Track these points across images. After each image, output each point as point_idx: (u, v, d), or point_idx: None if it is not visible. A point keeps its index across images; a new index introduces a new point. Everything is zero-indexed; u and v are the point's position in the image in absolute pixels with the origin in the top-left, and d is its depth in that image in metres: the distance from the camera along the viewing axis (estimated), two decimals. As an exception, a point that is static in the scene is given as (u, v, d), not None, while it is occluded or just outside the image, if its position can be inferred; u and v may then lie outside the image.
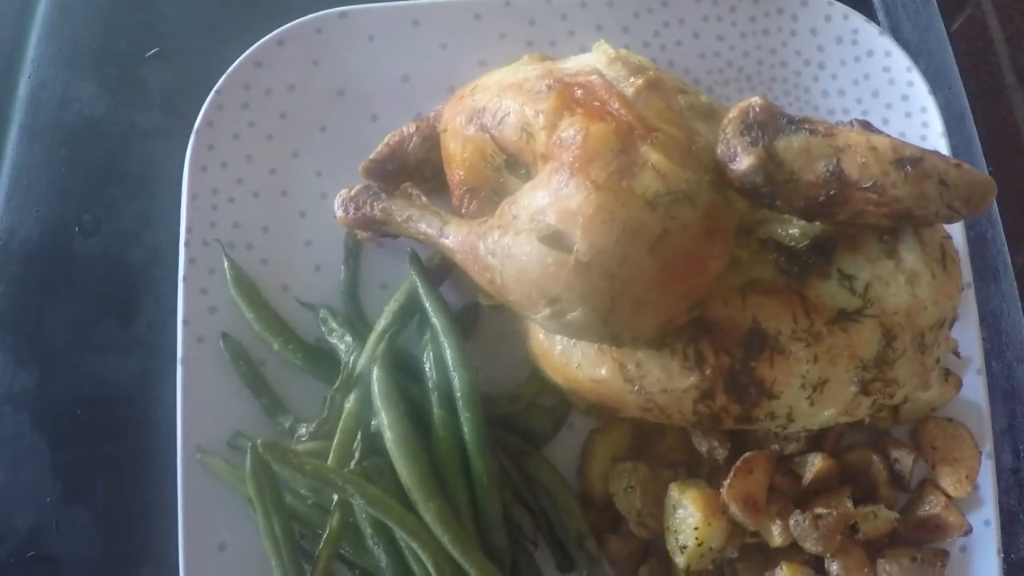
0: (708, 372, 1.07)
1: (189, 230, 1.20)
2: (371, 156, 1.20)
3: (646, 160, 1.00)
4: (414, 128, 1.20)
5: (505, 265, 1.04)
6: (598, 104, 1.05)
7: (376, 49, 1.25)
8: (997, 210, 1.18)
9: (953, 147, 1.33)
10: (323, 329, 1.19)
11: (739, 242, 1.09)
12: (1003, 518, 1.22)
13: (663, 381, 1.08)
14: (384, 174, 1.20)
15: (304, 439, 1.15)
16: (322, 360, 1.17)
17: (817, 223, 1.11)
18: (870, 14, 1.43)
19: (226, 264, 1.19)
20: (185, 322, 1.18)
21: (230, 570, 1.14)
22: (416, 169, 1.20)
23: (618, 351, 1.09)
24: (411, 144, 1.19)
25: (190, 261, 1.19)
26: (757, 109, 1.03)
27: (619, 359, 1.09)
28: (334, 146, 1.23)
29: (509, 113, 1.09)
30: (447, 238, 1.11)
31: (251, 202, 1.22)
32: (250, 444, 1.11)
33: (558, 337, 1.12)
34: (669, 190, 1.00)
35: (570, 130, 1.03)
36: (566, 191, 1.01)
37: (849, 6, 1.28)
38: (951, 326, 1.11)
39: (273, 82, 1.23)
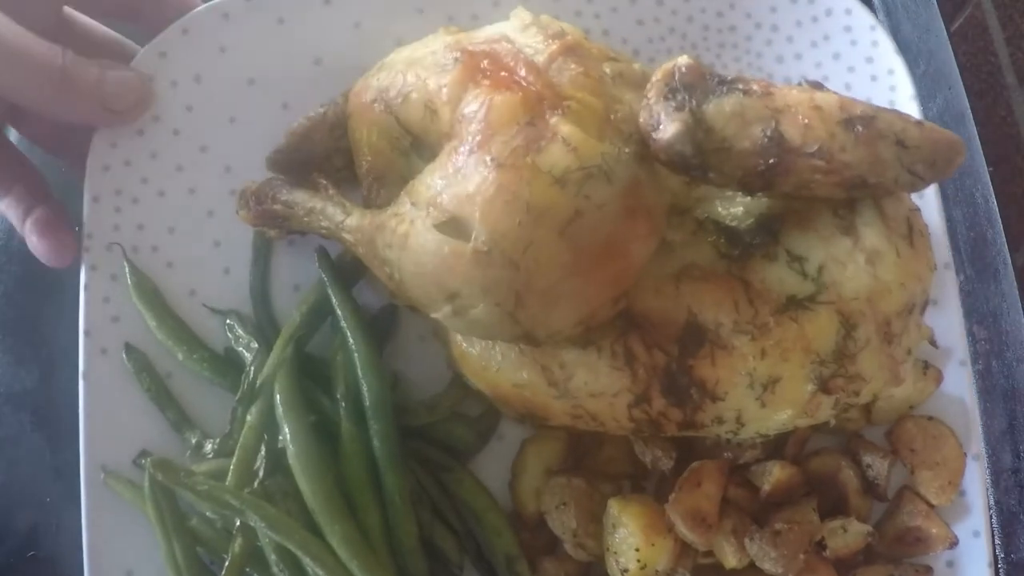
0: (640, 372, 0.87)
1: (90, 235, 1.03)
2: (276, 147, 1.02)
3: (555, 132, 0.82)
4: (322, 114, 1.02)
5: (402, 258, 0.86)
6: (505, 74, 0.86)
7: (286, 33, 1.07)
8: (997, 210, 1.03)
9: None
10: (230, 336, 1.01)
11: (672, 223, 0.90)
12: (1003, 518, 1.07)
13: (591, 384, 0.88)
14: (292, 166, 1.02)
15: (209, 456, 0.98)
16: (230, 370, 1.00)
17: (763, 199, 0.91)
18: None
19: (127, 269, 1.02)
20: (87, 333, 1.01)
21: (137, 599, 0.98)
22: (326, 159, 1.02)
23: (539, 352, 0.89)
24: (319, 132, 1.01)
25: (91, 268, 1.03)
26: (683, 70, 0.84)
27: (541, 360, 0.90)
28: (244, 138, 1.06)
29: (412, 90, 0.91)
30: (347, 231, 0.93)
31: (156, 202, 1.05)
32: (144, 463, 0.95)
33: (476, 340, 0.93)
34: (582, 165, 0.81)
35: (473, 104, 0.85)
36: (464, 171, 0.82)
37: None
38: (923, 311, 0.90)
39: (178, 73, 1.06)
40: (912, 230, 0.88)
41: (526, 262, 0.80)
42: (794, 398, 0.87)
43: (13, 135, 1.13)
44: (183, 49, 1.07)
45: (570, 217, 0.80)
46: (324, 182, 0.98)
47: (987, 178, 1.01)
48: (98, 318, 1.03)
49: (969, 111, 1.06)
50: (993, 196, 1.02)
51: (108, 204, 1.05)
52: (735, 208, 0.91)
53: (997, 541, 1.08)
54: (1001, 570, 1.07)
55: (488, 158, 0.81)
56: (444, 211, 0.82)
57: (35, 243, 1.03)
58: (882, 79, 1.05)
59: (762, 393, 0.87)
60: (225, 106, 1.07)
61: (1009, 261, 1.02)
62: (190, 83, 1.07)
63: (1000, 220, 1.01)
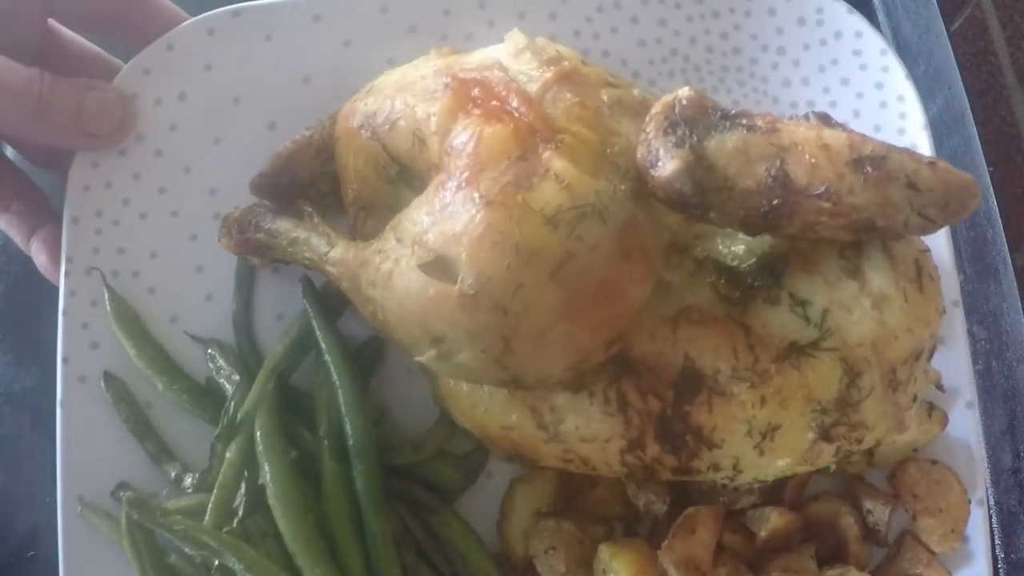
0: (634, 418, 0.81)
1: (70, 259, 0.97)
2: (261, 171, 0.96)
3: (548, 168, 0.76)
4: (308, 137, 0.96)
5: (385, 298, 0.80)
6: (496, 104, 0.80)
7: (274, 50, 1.00)
8: (997, 210, 0.99)
9: (953, 147, 1.12)
10: (211, 367, 0.96)
11: (669, 263, 0.84)
12: (1003, 518, 1.03)
13: (582, 429, 0.83)
14: (276, 190, 0.96)
15: (189, 491, 0.93)
16: (211, 402, 0.94)
17: (766, 238, 0.85)
18: (870, 14, 1.22)
19: (106, 295, 0.97)
20: (65, 360, 0.96)
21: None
22: (311, 184, 0.95)
23: (529, 394, 0.84)
24: (305, 156, 0.95)
25: (71, 293, 0.97)
26: (684, 102, 0.77)
27: (531, 403, 0.84)
28: (229, 160, 0.99)
29: (400, 117, 0.85)
30: (331, 264, 0.87)
31: (138, 225, 0.99)
32: (122, 496, 0.89)
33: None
34: (575, 204, 0.75)
35: (462, 135, 0.79)
36: (451, 209, 0.76)
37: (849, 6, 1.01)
38: (931, 356, 0.84)
39: (162, 91, 1.00)
40: (921, 273, 0.82)
41: (515, 306, 0.74)
42: (794, 446, 0.82)
43: (10, 151, 1.08)
44: (167, 66, 1.00)
45: (562, 259, 0.74)
46: (309, 209, 0.92)
47: (987, 178, 0.97)
48: (77, 345, 0.97)
49: (969, 111, 1.02)
50: (993, 196, 0.97)
51: (88, 226, 0.99)
52: (736, 246, 0.84)
53: (997, 541, 1.03)
54: (1001, 570, 1.02)
55: (476, 195, 0.75)
56: (429, 250, 0.76)
57: (43, 263, 0.99)
58: (892, 106, 0.98)
59: (760, 441, 0.81)
60: (210, 125, 1.00)
61: (1009, 261, 0.98)
62: (174, 101, 1.00)
63: (1000, 220, 0.98)
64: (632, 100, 0.85)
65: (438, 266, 0.76)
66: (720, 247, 0.85)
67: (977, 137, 1.00)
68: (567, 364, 0.78)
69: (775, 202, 0.75)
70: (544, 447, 0.85)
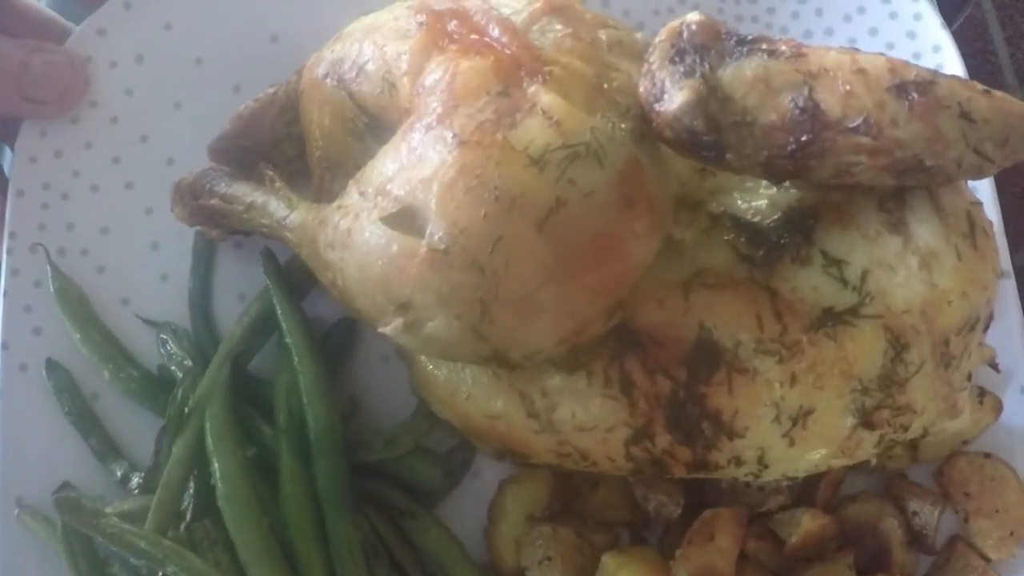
0: (640, 402, 0.65)
1: (13, 235, 0.83)
2: (220, 133, 0.81)
3: (533, 103, 0.60)
4: (272, 95, 0.81)
5: (345, 259, 0.64)
6: (476, 36, 0.65)
7: (239, 6, 0.85)
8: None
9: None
10: (162, 352, 0.80)
11: (680, 219, 0.67)
12: None
13: (579, 416, 0.66)
14: (237, 155, 0.80)
15: (135, 492, 0.77)
16: (163, 392, 0.78)
17: (790, 189, 0.68)
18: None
19: (50, 273, 0.81)
20: (4, 346, 0.81)
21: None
22: (275, 147, 0.80)
23: (516, 376, 0.67)
24: (268, 115, 0.80)
25: (13, 273, 0.82)
26: (693, 27, 0.62)
27: (519, 387, 0.67)
28: (190, 126, 0.84)
29: (368, 60, 0.70)
30: (289, 229, 0.71)
31: (89, 198, 0.84)
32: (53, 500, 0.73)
33: (444, 361, 0.71)
34: (565, 143, 0.59)
35: (436, 72, 0.63)
36: (420, 152, 0.60)
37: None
38: (987, 327, 0.67)
39: (118, 52, 0.85)
40: (974, 228, 0.65)
41: (493, 263, 0.58)
42: (829, 434, 0.65)
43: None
44: (124, 26, 0.86)
45: (550, 207, 0.58)
46: (271, 172, 0.77)
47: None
48: (18, 330, 0.82)
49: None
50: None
51: (34, 200, 0.84)
52: (758, 201, 0.68)
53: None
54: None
55: (449, 134, 0.60)
56: (394, 200, 0.61)
57: None
58: (927, 57, 0.82)
59: (791, 428, 0.64)
60: (170, 90, 0.86)
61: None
62: (131, 64, 0.86)
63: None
64: (634, 43, 0.70)
65: (403, 218, 0.60)
66: (739, 202, 0.69)
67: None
68: (559, 336, 0.61)
69: (804, 138, 0.59)
70: (536, 439, 0.68)
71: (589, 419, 0.66)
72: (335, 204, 0.67)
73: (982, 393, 0.76)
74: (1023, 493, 0.74)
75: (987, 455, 0.76)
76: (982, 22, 1.14)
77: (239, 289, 0.83)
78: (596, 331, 0.63)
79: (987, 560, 0.74)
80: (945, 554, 0.75)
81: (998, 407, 0.76)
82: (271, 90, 0.81)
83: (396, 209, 0.60)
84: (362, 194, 0.64)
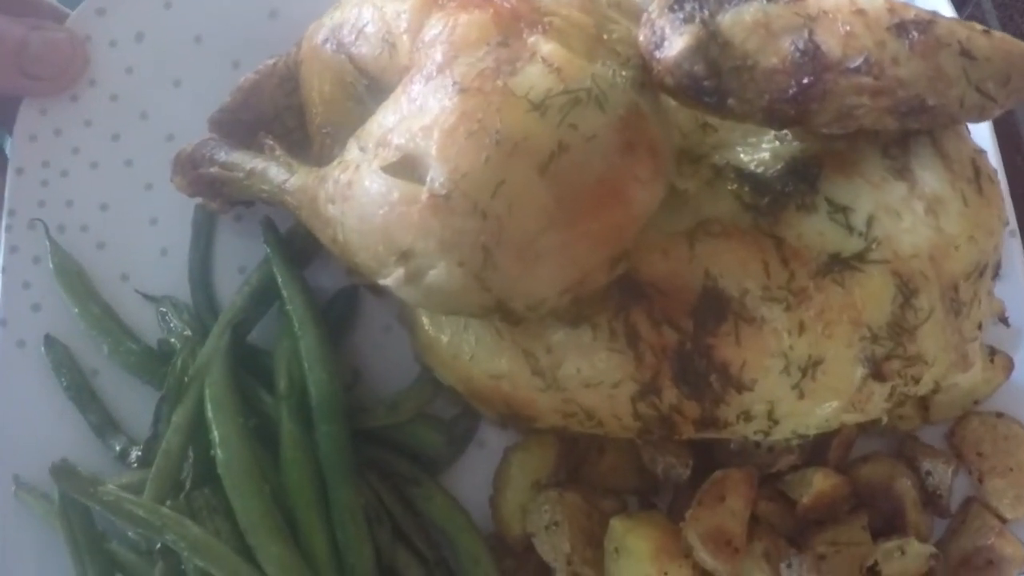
0: (647, 355, 0.64)
1: (12, 212, 0.83)
2: (221, 105, 0.81)
3: (534, 52, 0.60)
4: (272, 66, 0.81)
5: (345, 212, 0.64)
6: (476, -10, 0.65)
7: (238, -18, 0.87)
8: None
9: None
10: (161, 326, 0.79)
11: (683, 171, 0.67)
12: None
13: (584, 372, 0.65)
14: (238, 127, 0.80)
15: (134, 465, 0.75)
16: (162, 366, 0.77)
17: (793, 141, 0.68)
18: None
19: (48, 248, 0.81)
20: (2, 322, 0.80)
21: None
22: (275, 118, 0.80)
23: (520, 333, 0.66)
24: (268, 86, 0.80)
25: (11, 250, 0.82)
26: (692, -25, 0.62)
27: (523, 344, 0.67)
28: (189, 103, 0.84)
29: (368, 23, 0.70)
30: (290, 193, 0.71)
31: (88, 175, 0.84)
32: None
33: (447, 323, 0.70)
34: (567, 88, 0.59)
35: (436, 27, 0.64)
36: (420, 102, 0.60)
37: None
38: (995, 275, 0.67)
39: (118, 31, 0.86)
40: (979, 174, 0.65)
41: (496, 208, 0.58)
42: (840, 386, 0.64)
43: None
44: (123, 5, 0.87)
45: (552, 151, 0.58)
46: (271, 142, 0.76)
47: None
48: (17, 306, 0.82)
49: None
50: None
51: (34, 177, 0.84)
52: (761, 154, 0.68)
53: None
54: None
55: (449, 82, 0.60)
56: (395, 149, 0.60)
57: None
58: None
59: (800, 380, 0.63)
60: (169, 67, 0.87)
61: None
62: (130, 43, 0.87)
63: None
64: (633, 5, 0.70)
65: (404, 166, 0.60)
66: (742, 156, 0.68)
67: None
68: (563, 285, 0.61)
69: (805, 81, 0.59)
70: (541, 398, 0.67)
71: (595, 374, 0.65)
72: (335, 161, 0.67)
73: (993, 352, 0.75)
74: (1038, 452, 0.73)
75: (999, 415, 0.74)
76: (982, 22, 1.11)
77: (239, 262, 0.82)
78: (600, 281, 0.62)
79: (1003, 520, 0.73)
80: (960, 516, 0.74)
81: (1009, 366, 0.75)
82: (271, 62, 0.81)
83: (397, 158, 0.60)
84: (362, 148, 0.64)
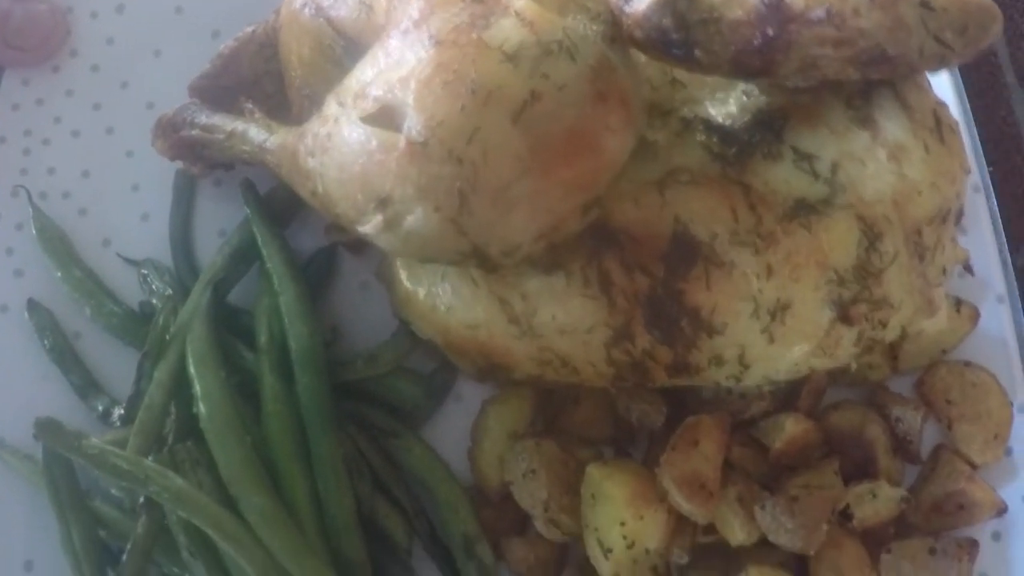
0: (619, 300, 0.66)
1: (-7, 180, 0.85)
2: (201, 72, 0.83)
3: (507, 6, 0.62)
4: (251, 33, 0.83)
5: (324, 164, 0.66)
6: (451, -49, 0.67)
7: (218, -46, 0.90)
8: (997, 210, 0.87)
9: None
10: (143, 288, 0.81)
11: (653, 124, 0.69)
12: None
13: (559, 318, 0.67)
14: (218, 93, 0.83)
15: (117, 424, 0.77)
16: (144, 328, 0.79)
17: (760, 95, 0.71)
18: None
19: (31, 215, 0.83)
20: (-15, 288, 0.82)
21: (39, 593, 0.76)
22: (254, 84, 0.82)
23: (496, 282, 0.69)
24: (247, 52, 0.82)
25: (-7, 217, 0.84)
26: (659, -69, 0.65)
27: (499, 293, 0.69)
28: (169, 72, 0.87)
29: (346, -16, 0.73)
30: (270, 152, 0.73)
31: (70, 143, 0.87)
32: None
33: (424, 276, 0.72)
34: (539, 40, 0.61)
35: (411, -15, 0.66)
36: (396, 56, 0.63)
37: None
38: (957, 221, 0.70)
39: (99, 3, 0.89)
40: (940, 124, 0.68)
41: (471, 154, 0.60)
42: (808, 329, 0.66)
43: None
44: (105, -24, 0.89)
45: (525, 100, 0.60)
46: (250, 106, 0.79)
47: (987, 178, 0.85)
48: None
49: (969, 111, 0.92)
50: (993, 196, 0.86)
51: (16, 146, 0.87)
52: (728, 108, 0.71)
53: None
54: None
55: (425, 36, 0.62)
56: (373, 101, 0.63)
57: None
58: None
59: (769, 323, 0.66)
60: (149, 37, 0.89)
61: (1009, 261, 0.86)
62: (111, 14, 0.89)
63: (1000, 220, 0.86)
64: (603, -32, 0.73)
65: (382, 116, 0.62)
66: (710, 110, 0.71)
67: (977, 137, 0.91)
68: (537, 230, 0.63)
69: (769, 32, 0.61)
70: (517, 346, 0.69)
71: (569, 320, 0.67)
72: (315, 118, 0.69)
73: (959, 303, 0.78)
74: (1004, 398, 0.76)
75: (967, 363, 0.77)
76: None
77: (219, 226, 0.84)
78: (573, 227, 0.65)
79: (973, 466, 0.75)
80: (931, 463, 0.76)
81: (975, 316, 0.78)
82: (249, 29, 0.83)
83: (375, 109, 0.62)
84: (341, 103, 0.66)
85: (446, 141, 0.60)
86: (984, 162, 0.89)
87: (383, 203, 0.63)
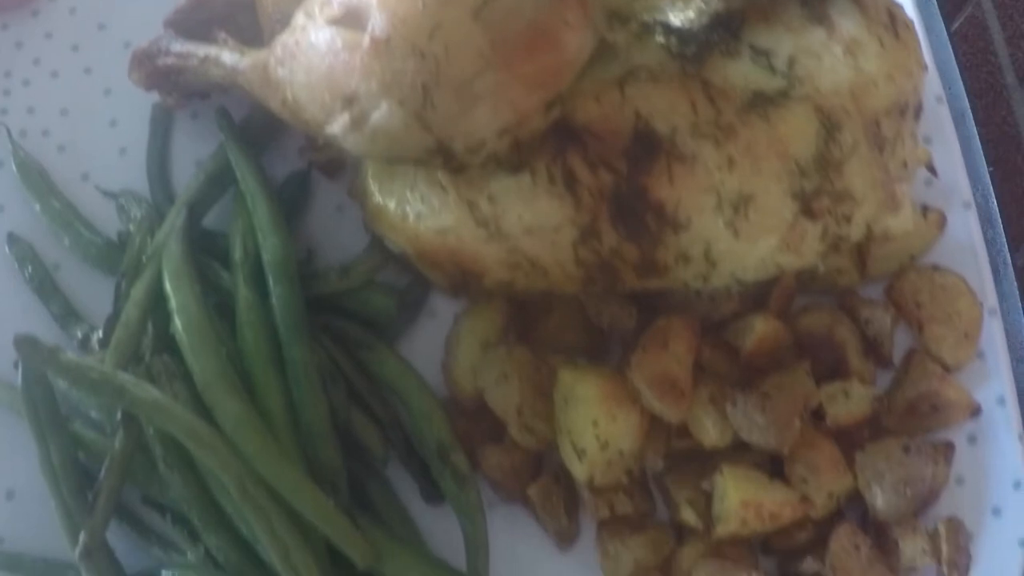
0: (585, 197, 0.68)
1: (-26, 121, 0.87)
2: (176, 6, 0.85)
3: (468, -91, 0.64)
4: (224, -33, 0.85)
5: (293, 70, 0.68)
6: None
7: None
8: (997, 210, 0.90)
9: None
10: (121, 219, 0.82)
11: (613, 27, 0.71)
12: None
13: (526, 218, 0.69)
14: (193, 27, 0.84)
15: (96, 349, 0.78)
16: (122, 256, 0.80)
17: (720, 1, 0.73)
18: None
19: (11, 151, 0.85)
20: (-34, 225, 0.84)
21: (20, 522, 0.77)
22: (229, 16, 0.84)
23: (464, 185, 0.70)
24: (222, -14, 0.85)
25: (-27, 156, 0.86)
26: None
27: (466, 196, 0.70)
28: (146, 12, 0.87)
29: (314, -97, 0.75)
30: (242, 72, 0.75)
31: (49, 83, 0.89)
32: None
33: (395, 187, 0.74)
34: (498, -62, 0.63)
35: None
36: (361, -40, 0.65)
37: None
38: (917, 116, 0.71)
39: (77, -55, 0.91)
40: (895, 20, 0.70)
41: (433, 49, 0.62)
42: (772, 222, 0.68)
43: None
44: (81, -78, 0.91)
45: (485, -3, 0.63)
46: (224, 35, 0.80)
47: (987, 178, 0.87)
48: (-20, 208, 0.85)
49: (969, 111, 0.94)
50: (993, 196, 0.88)
51: (-5, 88, 0.88)
52: (686, 13, 0.72)
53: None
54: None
55: (388, -60, 0.64)
56: (338, 5, 0.65)
57: None
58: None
59: (733, 216, 0.67)
60: (127, -22, 0.91)
61: (1009, 261, 0.88)
62: (89, -43, 0.91)
63: (1000, 220, 0.88)
64: None
65: (348, 18, 0.64)
66: (670, 15, 0.73)
67: (977, 137, 0.93)
68: (500, 125, 0.65)
69: (723, -74, 0.64)
70: (486, 250, 0.70)
71: (536, 220, 0.68)
72: (285, 32, 0.71)
73: (925, 209, 0.79)
74: (974, 298, 0.77)
75: (936, 267, 0.78)
76: (982, 22, 1.18)
77: (196, 156, 0.85)
78: (536, 124, 0.66)
79: (946, 368, 0.76)
80: (903, 367, 0.77)
81: (942, 221, 0.79)
82: (224, -38, 0.85)
83: (341, 13, 0.64)
84: (307, 14, 0.68)
85: (408, 37, 0.62)
86: (984, 162, 0.93)
87: (349, 101, 0.64)
